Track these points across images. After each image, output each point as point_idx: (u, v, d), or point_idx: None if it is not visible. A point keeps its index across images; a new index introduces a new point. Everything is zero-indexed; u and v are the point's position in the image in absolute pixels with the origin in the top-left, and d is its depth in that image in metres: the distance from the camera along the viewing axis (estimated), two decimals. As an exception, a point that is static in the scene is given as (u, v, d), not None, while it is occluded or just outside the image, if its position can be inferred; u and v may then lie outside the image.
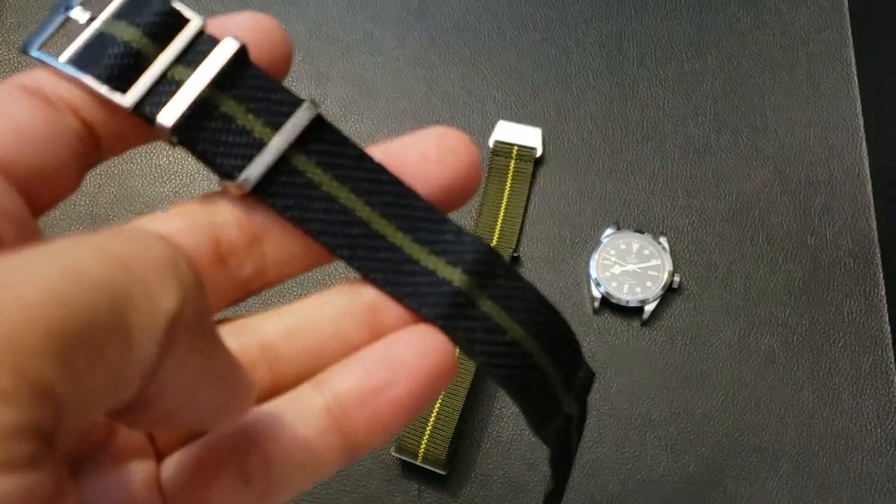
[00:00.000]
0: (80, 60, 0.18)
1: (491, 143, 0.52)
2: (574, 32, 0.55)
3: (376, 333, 0.19)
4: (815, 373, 0.47)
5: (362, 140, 0.53)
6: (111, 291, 0.12)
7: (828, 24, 0.55)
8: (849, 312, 0.49)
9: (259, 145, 0.18)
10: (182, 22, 0.18)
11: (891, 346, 0.48)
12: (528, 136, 0.52)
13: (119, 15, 0.18)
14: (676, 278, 0.48)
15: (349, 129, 0.53)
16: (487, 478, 0.45)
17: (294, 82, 0.54)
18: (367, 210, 0.19)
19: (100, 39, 0.18)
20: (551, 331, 0.19)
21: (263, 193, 0.18)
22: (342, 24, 0.55)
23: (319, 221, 0.19)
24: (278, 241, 0.19)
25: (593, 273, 0.48)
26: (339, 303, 0.19)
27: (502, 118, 0.52)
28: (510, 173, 0.51)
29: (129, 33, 0.18)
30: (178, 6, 0.18)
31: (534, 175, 0.51)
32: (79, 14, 0.19)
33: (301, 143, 0.19)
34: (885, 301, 0.49)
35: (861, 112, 0.53)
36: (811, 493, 0.45)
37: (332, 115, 0.53)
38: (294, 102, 0.19)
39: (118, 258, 0.12)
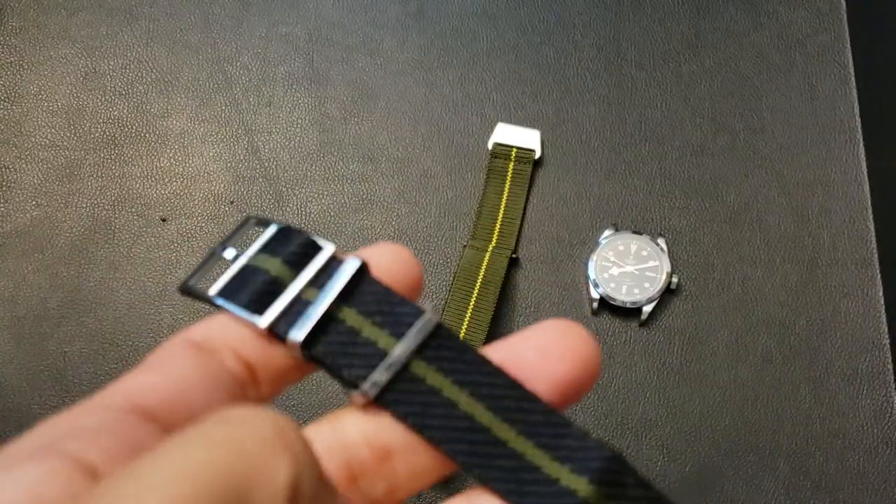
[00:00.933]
0: (226, 291, 0.20)
1: (490, 146, 0.52)
2: (572, 35, 0.55)
3: None
4: (812, 373, 0.48)
5: (363, 142, 0.53)
6: (231, 481, 0.13)
7: (825, 26, 0.55)
8: (846, 313, 0.49)
9: (383, 355, 0.19)
10: (317, 250, 0.20)
11: (888, 346, 0.48)
12: (527, 139, 0.52)
13: (262, 249, 0.20)
14: (674, 279, 0.48)
15: (349, 131, 0.53)
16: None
17: (294, 85, 0.54)
18: (487, 415, 0.19)
19: (245, 271, 0.20)
20: None
21: (385, 401, 0.19)
22: (342, 28, 0.56)
23: (440, 428, 0.19)
24: (407, 454, 0.19)
25: (592, 274, 0.48)
26: None
27: (501, 120, 0.53)
28: (509, 175, 0.51)
29: (270, 263, 0.20)
30: (316, 238, 0.20)
31: (532, 177, 0.52)
32: (229, 253, 0.21)
33: (421, 349, 0.19)
34: (882, 302, 0.49)
35: (858, 114, 0.53)
36: (808, 492, 0.45)
37: (333, 117, 0.53)
38: (416, 313, 0.19)
39: (230, 445, 0.13)
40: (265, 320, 0.19)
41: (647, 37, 0.55)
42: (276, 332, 0.19)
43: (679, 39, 0.55)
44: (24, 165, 0.52)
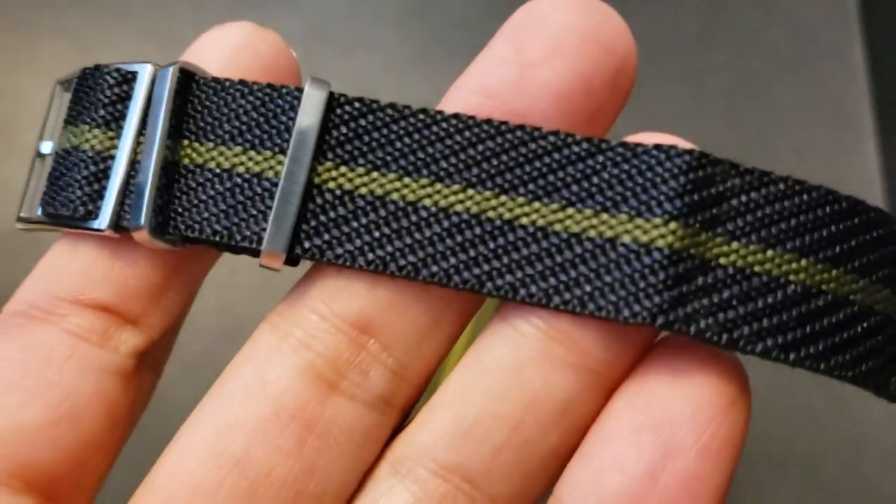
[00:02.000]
0: (48, 199, 0.14)
1: (493, 143, 0.51)
2: (577, 29, 0.55)
3: (583, 368, 0.12)
4: (824, 378, 0.47)
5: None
6: None
7: (837, 20, 0.55)
8: (859, 316, 0.48)
9: (272, 185, 0.12)
10: (133, 84, 0.14)
11: (902, 350, 0.47)
12: (531, 136, 0.51)
13: (70, 118, 0.14)
14: (682, 281, 0.47)
15: (348, 128, 0.52)
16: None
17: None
18: (473, 196, 0.12)
19: (62, 161, 0.14)
20: (857, 238, 0.12)
21: (314, 250, 0.12)
22: (340, 22, 0.55)
23: (411, 248, 0.12)
24: (389, 312, 0.12)
25: (597, 276, 0.47)
26: (506, 356, 0.12)
27: (504, 117, 0.52)
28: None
29: (84, 134, 0.14)
30: (125, 65, 0.14)
31: (536, 175, 0.51)
32: (46, 147, 0.15)
33: (325, 150, 0.12)
34: (896, 304, 0.48)
35: (870, 110, 0.53)
36: (821, 501, 0.45)
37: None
38: (292, 103, 0.13)
39: None
40: (103, 219, 0.13)
41: (654, 31, 0.54)
42: (124, 228, 0.13)
43: (688, 34, 0.54)
44: (13, 165, 0.51)
